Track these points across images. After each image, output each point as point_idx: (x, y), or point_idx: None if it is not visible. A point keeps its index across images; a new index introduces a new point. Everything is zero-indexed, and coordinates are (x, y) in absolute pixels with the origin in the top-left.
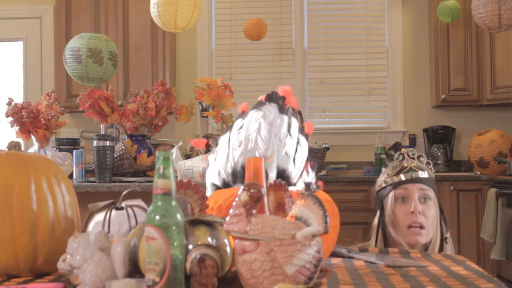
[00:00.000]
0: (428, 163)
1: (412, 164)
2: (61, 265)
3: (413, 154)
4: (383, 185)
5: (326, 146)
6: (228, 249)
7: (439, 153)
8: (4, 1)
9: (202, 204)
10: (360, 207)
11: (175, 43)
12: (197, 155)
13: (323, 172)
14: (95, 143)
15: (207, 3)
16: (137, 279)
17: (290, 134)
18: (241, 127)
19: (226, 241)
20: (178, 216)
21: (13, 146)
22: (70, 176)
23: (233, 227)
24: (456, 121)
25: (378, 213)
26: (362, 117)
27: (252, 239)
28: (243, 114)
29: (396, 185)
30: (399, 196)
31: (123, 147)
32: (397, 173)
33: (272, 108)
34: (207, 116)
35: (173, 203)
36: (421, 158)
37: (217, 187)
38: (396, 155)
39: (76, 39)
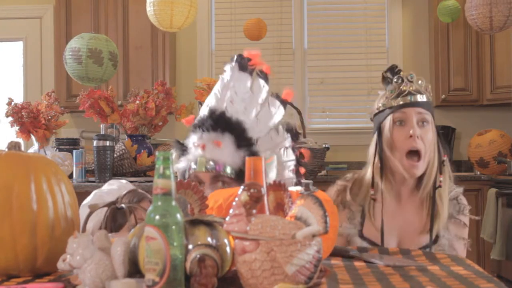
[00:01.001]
0: (427, 86)
1: (410, 88)
2: (61, 265)
3: (412, 78)
4: (381, 108)
5: (326, 146)
6: (228, 249)
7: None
8: (4, 1)
9: (202, 204)
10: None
11: (175, 43)
12: None
13: (323, 172)
14: (95, 143)
15: (207, 3)
16: (137, 279)
17: (252, 91)
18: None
19: (226, 241)
20: (178, 216)
21: (13, 146)
22: (70, 176)
23: (233, 227)
24: (456, 121)
25: (375, 138)
26: (362, 117)
27: (252, 239)
28: None
29: (394, 108)
30: (397, 120)
31: (123, 147)
32: (396, 97)
33: (231, 67)
34: None
35: (173, 203)
36: (419, 82)
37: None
38: (395, 78)
39: (76, 39)
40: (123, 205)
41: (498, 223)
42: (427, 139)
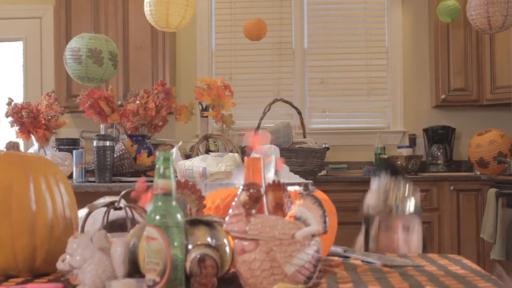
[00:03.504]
0: (415, 189)
1: (398, 197)
2: (60, 265)
3: (400, 184)
4: (370, 210)
5: (326, 146)
6: (227, 249)
7: (439, 153)
8: (4, 1)
9: (200, 204)
10: (360, 207)
11: (175, 43)
12: (197, 155)
13: (323, 172)
14: (95, 143)
15: (207, 3)
16: (136, 279)
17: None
18: None
19: (225, 241)
20: (178, 216)
21: (12, 146)
22: (70, 176)
23: (233, 227)
24: (456, 121)
25: (363, 231)
26: (362, 117)
27: (251, 239)
28: None
29: (381, 216)
30: (383, 225)
31: (123, 147)
32: (383, 203)
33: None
34: (207, 116)
35: (173, 203)
36: (407, 186)
37: None
38: (382, 184)
39: (76, 39)
40: (121, 205)
41: (498, 223)
42: (412, 244)
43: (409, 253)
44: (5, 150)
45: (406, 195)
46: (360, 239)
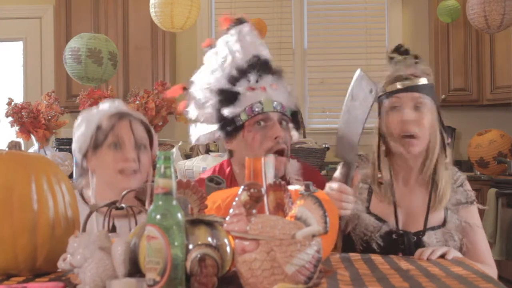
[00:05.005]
0: (426, 68)
1: (407, 72)
2: (61, 265)
3: (411, 60)
4: (380, 92)
5: (326, 146)
6: (228, 248)
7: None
8: (4, 1)
9: (201, 204)
10: None
11: (175, 43)
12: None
13: (323, 172)
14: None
15: (207, 3)
16: (137, 278)
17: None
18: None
19: (226, 240)
20: (179, 215)
21: (13, 145)
22: (70, 176)
23: (233, 226)
24: (456, 121)
25: (378, 120)
26: None
27: (252, 238)
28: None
29: (389, 94)
30: (392, 105)
31: None
32: (392, 82)
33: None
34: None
35: (174, 202)
36: (418, 65)
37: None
38: (392, 62)
39: (75, 39)
40: (123, 205)
41: (498, 223)
42: (422, 123)
43: (420, 131)
44: (7, 149)
45: (417, 71)
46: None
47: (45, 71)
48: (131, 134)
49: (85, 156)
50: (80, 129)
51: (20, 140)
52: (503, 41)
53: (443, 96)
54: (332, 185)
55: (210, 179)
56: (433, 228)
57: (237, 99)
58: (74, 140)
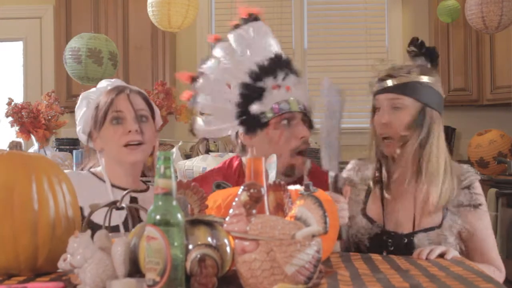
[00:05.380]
0: (409, 68)
1: (382, 74)
2: (61, 265)
3: (393, 64)
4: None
5: None
6: (228, 249)
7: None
8: (4, 1)
9: (202, 204)
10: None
11: (175, 43)
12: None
13: None
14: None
15: (207, 3)
16: (137, 278)
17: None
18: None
19: (226, 241)
20: (179, 216)
21: (14, 145)
22: None
23: (233, 227)
24: (456, 121)
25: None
26: (362, 117)
27: (251, 239)
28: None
29: (374, 95)
30: (375, 106)
31: None
32: (374, 83)
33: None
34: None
35: (174, 202)
36: (415, 62)
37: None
38: (411, 56)
39: (76, 39)
40: (123, 205)
41: (498, 223)
42: (397, 124)
43: (394, 133)
44: (8, 149)
45: (405, 72)
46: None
47: (45, 71)
48: (130, 106)
49: (89, 136)
50: (81, 110)
51: (20, 140)
52: (503, 41)
53: (443, 96)
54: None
55: (217, 185)
56: (426, 230)
57: (262, 95)
58: (77, 122)
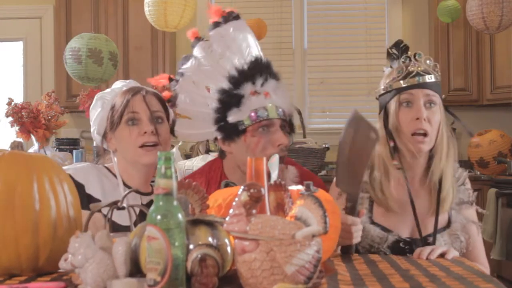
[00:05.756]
0: (435, 65)
1: (418, 68)
2: (62, 265)
3: (420, 57)
4: (388, 88)
5: (326, 146)
6: (228, 249)
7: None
8: (4, 1)
9: (203, 204)
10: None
11: (175, 43)
12: (197, 155)
13: (323, 172)
14: (95, 143)
15: (207, 3)
16: (138, 278)
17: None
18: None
19: (226, 241)
20: (180, 216)
21: (16, 146)
22: None
23: (233, 227)
24: (456, 121)
25: (381, 118)
26: None
27: (251, 239)
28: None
29: (401, 89)
30: (404, 101)
31: None
32: (403, 77)
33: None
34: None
35: (175, 203)
36: (428, 61)
37: (223, 92)
38: (402, 58)
39: (76, 39)
40: (124, 205)
41: (498, 223)
42: (434, 121)
43: (431, 129)
44: (9, 149)
45: (427, 67)
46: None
47: (45, 71)
48: (146, 107)
49: (104, 137)
50: (96, 111)
51: (20, 140)
52: (503, 41)
53: (443, 96)
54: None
55: (226, 184)
56: (439, 231)
57: (240, 102)
58: (91, 122)
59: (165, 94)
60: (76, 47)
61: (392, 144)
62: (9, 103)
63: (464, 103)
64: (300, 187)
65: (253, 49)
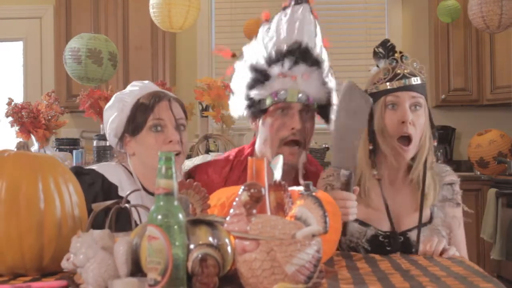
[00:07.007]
0: (421, 67)
1: (405, 70)
2: (65, 264)
3: (407, 59)
4: (374, 90)
5: (326, 146)
6: (229, 248)
7: (439, 153)
8: (4, 1)
9: (204, 204)
10: None
11: (175, 43)
12: (197, 155)
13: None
14: (95, 143)
15: (207, 3)
16: (139, 278)
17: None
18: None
19: (227, 240)
20: (180, 215)
21: (22, 146)
22: None
23: (234, 226)
24: (456, 121)
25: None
26: None
27: (252, 238)
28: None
29: (387, 91)
30: (390, 103)
31: None
32: (390, 79)
33: (292, 5)
34: (207, 116)
35: (175, 202)
36: (414, 64)
37: (255, 70)
38: (389, 60)
39: (75, 39)
40: (127, 205)
41: (498, 223)
42: (419, 124)
43: (415, 133)
44: (15, 150)
45: (413, 69)
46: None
47: (45, 71)
48: (171, 115)
49: (121, 139)
50: (112, 112)
51: (20, 140)
52: (503, 41)
53: (443, 96)
54: (336, 195)
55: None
56: (418, 226)
57: (267, 81)
58: (106, 124)
59: (229, 68)
60: (75, 47)
61: (371, 147)
62: (9, 103)
63: (464, 103)
64: (300, 188)
65: (304, 33)
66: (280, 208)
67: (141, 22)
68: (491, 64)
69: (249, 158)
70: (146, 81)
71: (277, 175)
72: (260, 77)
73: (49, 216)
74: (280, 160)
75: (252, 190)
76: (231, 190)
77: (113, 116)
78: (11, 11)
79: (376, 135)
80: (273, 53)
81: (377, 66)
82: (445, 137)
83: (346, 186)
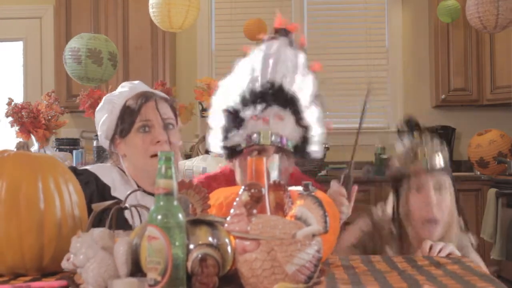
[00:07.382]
0: (442, 145)
1: (426, 151)
2: (65, 264)
3: (427, 139)
4: (399, 172)
5: (326, 146)
6: (229, 248)
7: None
8: (4, 1)
9: (204, 204)
10: (360, 207)
11: (175, 43)
12: (197, 155)
13: (323, 172)
14: (95, 143)
15: (207, 3)
16: (139, 278)
17: (297, 64)
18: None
19: (227, 240)
20: (180, 215)
21: (22, 146)
22: None
23: (234, 227)
24: (456, 121)
25: (392, 201)
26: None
27: (252, 238)
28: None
29: (410, 175)
30: (414, 186)
31: None
32: (412, 161)
33: (278, 42)
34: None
35: (175, 202)
36: (435, 142)
37: (229, 113)
38: (409, 141)
39: (75, 39)
40: (127, 205)
41: (498, 223)
42: (445, 205)
43: (441, 215)
44: (15, 150)
45: (434, 150)
46: (390, 203)
47: (45, 71)
48: (158, 115)
49: (112, 141)
50: (103, 114)
51: (20, 140)
52: (503, 41)
53: (443, 96)
54: (333, 187)
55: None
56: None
57: (241, 126)
58: (98, 126)
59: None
60: (75, 47)
61: (394, 231)
62: (9, 103)
63: (464, 103)
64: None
65: (279, 70)
66: (279, 208)
67: (141, 22)
68: (491, 64)
69: (249, 158)
70: (136, 82)
71: (274, 175)
72: (234, 121)
73: (49, 216)
74: (276, 160)
75: (252, 190)
76: (229, 191)
77: (104, 118)
78: (11, 11)
79: (402, 219)
80: (247, 95)
81: (402, 141)
82: (445, 137)
83: (344, 184)
